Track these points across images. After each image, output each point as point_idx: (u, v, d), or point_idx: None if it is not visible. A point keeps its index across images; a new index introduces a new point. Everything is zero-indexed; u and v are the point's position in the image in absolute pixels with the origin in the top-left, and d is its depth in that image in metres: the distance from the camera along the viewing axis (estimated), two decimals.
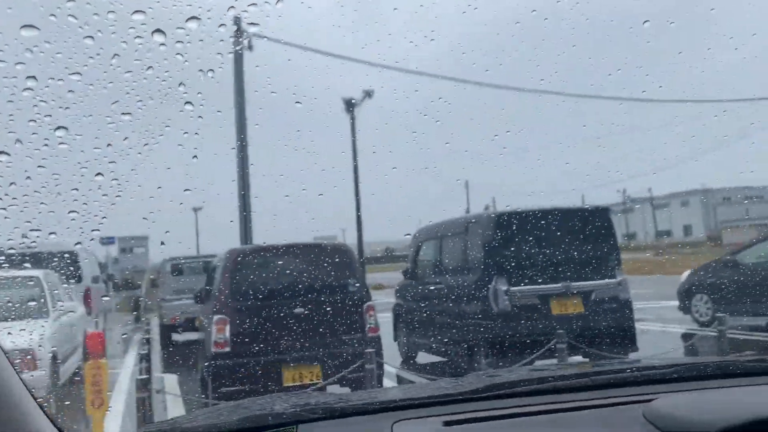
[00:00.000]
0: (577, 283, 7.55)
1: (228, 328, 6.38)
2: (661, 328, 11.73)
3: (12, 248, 10.86)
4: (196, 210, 40.64)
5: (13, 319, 7.39)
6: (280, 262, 6.96)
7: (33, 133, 3.93)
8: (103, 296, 14.78)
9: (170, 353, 13.28)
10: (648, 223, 68.78)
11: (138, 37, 4.18)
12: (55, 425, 1.28)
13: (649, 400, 1.32)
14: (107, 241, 26.90)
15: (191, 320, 13.44)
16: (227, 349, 6.34)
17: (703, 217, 66.82)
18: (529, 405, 1.42)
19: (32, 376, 6.44)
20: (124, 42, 4.24)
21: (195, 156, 5.95)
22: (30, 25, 3.53)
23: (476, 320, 7.60)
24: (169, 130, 5.32)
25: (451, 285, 8.31)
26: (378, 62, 16.85)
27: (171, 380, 9.49)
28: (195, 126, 5.51)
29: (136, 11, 4.08)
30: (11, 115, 3.85)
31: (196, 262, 15.34)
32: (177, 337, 14.68)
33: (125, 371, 10.78)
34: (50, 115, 3.99)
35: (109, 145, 4.48)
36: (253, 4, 5.24)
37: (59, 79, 3.99)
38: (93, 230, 4.72)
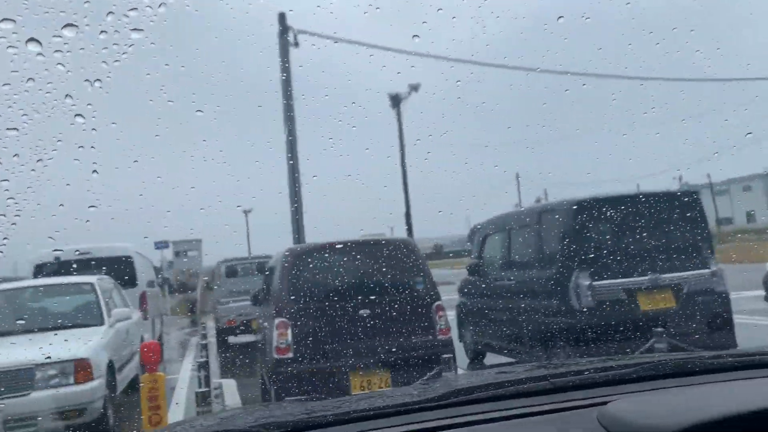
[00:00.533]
0: (667, 275, 6.84)
1: (290, 332, 5.95)
2: (750, 320, 10.82)
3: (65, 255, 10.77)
4: (246, 212, 40.89)
5: (67, 327, 7.12)
6: (342, 261, 6.49)
7: None
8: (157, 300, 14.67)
9: (227, 357, 13.05)
10: (708, 210, 66.23)
11: (11, 47, 3.93)
12: None
13: (607, 403, 1.30)
14: (162, 245, 27.26)
15: (248, 322, 13.20)
16: (290, 355, 5.90)
17: None
18: (488, 411, 1.40)
19: (88, 386, 6.15)
20: None
21: (95, 171, 5.59)
22: None
23: (555, 318, 6.97)
24: (62, 145, 5.05)
25: (524, 280, 7.68)
26: (421, 53, 16.17)
27: (230, 386, 9.18)
28: (90, 139, 5.19)
29: (4, 19, 3.81)
30: None
31: (251, 263, 15.13)
32: (234, 339, 14.48)
33: (183, 376, 10.55)
34: None
35: None
36: (134, 8, 4.88)
37: None
38: None
